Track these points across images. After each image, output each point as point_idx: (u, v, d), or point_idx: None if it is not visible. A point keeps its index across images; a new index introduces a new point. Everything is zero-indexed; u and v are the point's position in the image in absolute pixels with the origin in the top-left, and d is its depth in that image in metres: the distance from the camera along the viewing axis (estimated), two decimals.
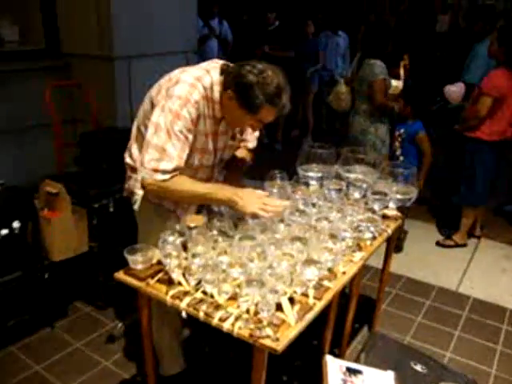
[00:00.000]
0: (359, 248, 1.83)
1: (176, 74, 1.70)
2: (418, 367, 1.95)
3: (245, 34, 6.05)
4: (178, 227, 1.71)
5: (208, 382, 2.16)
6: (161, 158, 1.62)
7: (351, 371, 1.75)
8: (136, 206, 1.93)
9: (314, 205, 2.00)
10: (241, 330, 1.32)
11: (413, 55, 3.99)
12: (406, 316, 2.78)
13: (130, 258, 1.56)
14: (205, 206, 1.86)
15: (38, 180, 2.56)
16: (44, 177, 2.55)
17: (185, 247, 1.61)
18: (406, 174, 2.16)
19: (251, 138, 2.08)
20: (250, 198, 1.64)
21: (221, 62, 1.76)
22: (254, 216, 1.64)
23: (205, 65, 1.75)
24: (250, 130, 1.91)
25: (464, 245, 3.68)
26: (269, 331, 1.30)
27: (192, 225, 1.72)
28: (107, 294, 2.59)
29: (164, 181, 1.63)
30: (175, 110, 1.61)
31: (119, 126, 3.31)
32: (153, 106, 1.70)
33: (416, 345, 2.49)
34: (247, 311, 1.37)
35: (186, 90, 1.63)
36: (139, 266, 1.57)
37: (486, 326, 2.73)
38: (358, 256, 1.79)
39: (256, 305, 1.36)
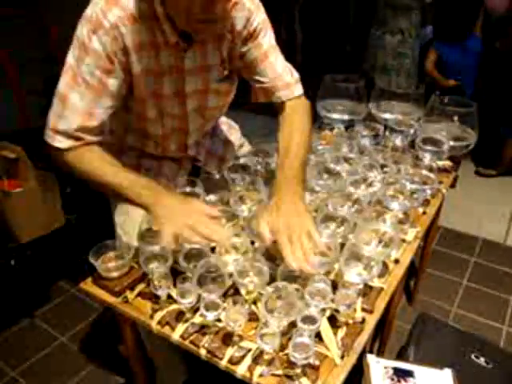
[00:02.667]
0: (411, 219, 1.36)
1: None
2: (481, 361, 1.56)
3: None
4: None
5: None
6: (62, 112, 1.08)
7: (400, 374, 1.36)
8: None
9: (345, 160, 1.51)
10: (262, 377, 0.88)
11: None
12: (449, 278, 2.36)
13: (98, 265, 1.10)
14: (200, 176, 1.37)
15: None
16: (1, 137, 2.04)
17: None
18: (463, 113, 1.64)
19: (271, 76, 1.29)
20: (176, 211, 1.04)
21: None
22: (160, 234, 1.03)
23: None
24: (256, 66, 1.28)
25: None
26: (305, 382, 0.86)
27: None
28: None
29: (64, 150, 1.10)
30: (82, 39, 1.06)
31: None
32: None
33: (465, 317, 2.09)
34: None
35: (100, 8, 1.04)
36: (114, 274, 1.12)
37: None
38: (412, 233, 1.32)
39: (284, 335, 0.92)
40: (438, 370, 1.37)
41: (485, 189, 3.18)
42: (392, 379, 1.32)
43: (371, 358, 1.35)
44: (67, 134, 1.10)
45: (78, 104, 1.08)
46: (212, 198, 1.29)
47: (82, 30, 1.06)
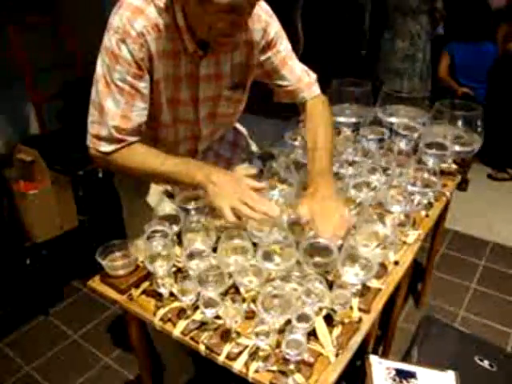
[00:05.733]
0: (412, 222, 1.38)
1: None
2: (485, 363, 1.55)
3: None
4: (167, 209, 1.29)
5: None
6: (101, 120, 1.15)
7: (402, 375, 1.38)
8: (115, 180, 1.50)
9: (349, 163, 1.54)
10: (258, 373, 0.92)
11: None
12: (457, 282, 2.36)
13: (104, 264, 1.15)
14: None
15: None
16: (19, 140, 2.12)
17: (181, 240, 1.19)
18: (468, 118, 1.65)
19: (292, 80, 1.41)
20: (227, 187, 1.11)
21: None
22: (222, 212, 1.11)
23: None
24: (277, 72, 1.38)
25: None
26: (298, 378, 0.89)
27: (190, 206, 1.28)
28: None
29: (108, 154, 1.18)
30: (111, 48, 1.12)
31: None
32: None
33: (472, 320, 2.09)
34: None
35: (126, 19, 1.10)
36: (120, 272, 1.16)
37: None
38: (413, 236, 1.34)
39: (279, 333, 0.95)
40: (441, 372, 1.38)
41: (496, 193, 3.16)
42: (394, 380, 1.34)
43: (374, 359, 1.37)
44: (110, 139, 1.17)
45: (114, 109, 1.15)
46: None
47: (111, 41, 1.12)
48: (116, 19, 1.12)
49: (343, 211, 1.19)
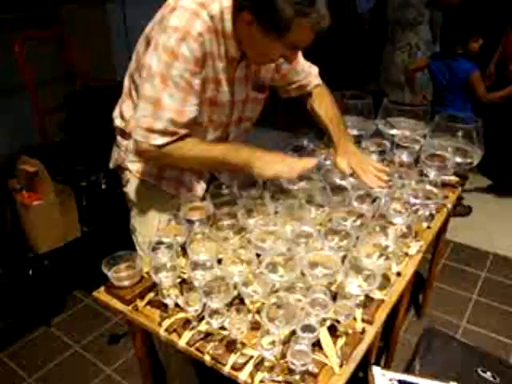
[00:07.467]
0: (414, 234, 1.39)
1: None
2: (488, 375, 1.55)
3: None
4: (173, 222, 1.30)
5: None
6: (155, 113, 1.20)
7: None
8: (127, 188, 1.50)
9: (351, 175, 1.55)
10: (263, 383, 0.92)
11: None
12: (459, 293, 2.36)
13: (110, 274, 1.16)
14: (209, 191, 1.42)
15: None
16: (22, 150, 2.13)
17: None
18: (468, 130, 1.66)
19: (303, 74, 1.58)
20: (270, 159, 1.29)
21: None
22: (275, 178, 1.32)
23: None
24: (292, 69, 1.53)
25: None
26: None
27: (194, 218, 1.30)
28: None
29: (162, 146, 1.23)
30: (171, 46, 1.16)
31: (119, 80, 2.81)
32: (148, 44, 1.27)
33: (474, 332, 2.09)
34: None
35: (185, 20, 1.17)
36: (126, 283, 1.17)
37: None
38: (415, 247, 1.35)
39: (284, 344, 0.96)
40: None
41: (497, 204, 3.17)
42: None
43: (376, 370, 1.37)
44: (163, 132, 1.22)
45: (169, 104, 1.20)
46: (221, 211, 1.34)
47: (170, 39, 1.16)
48: (174, 20, 1.17)
49: (372, 161, 1.53)
